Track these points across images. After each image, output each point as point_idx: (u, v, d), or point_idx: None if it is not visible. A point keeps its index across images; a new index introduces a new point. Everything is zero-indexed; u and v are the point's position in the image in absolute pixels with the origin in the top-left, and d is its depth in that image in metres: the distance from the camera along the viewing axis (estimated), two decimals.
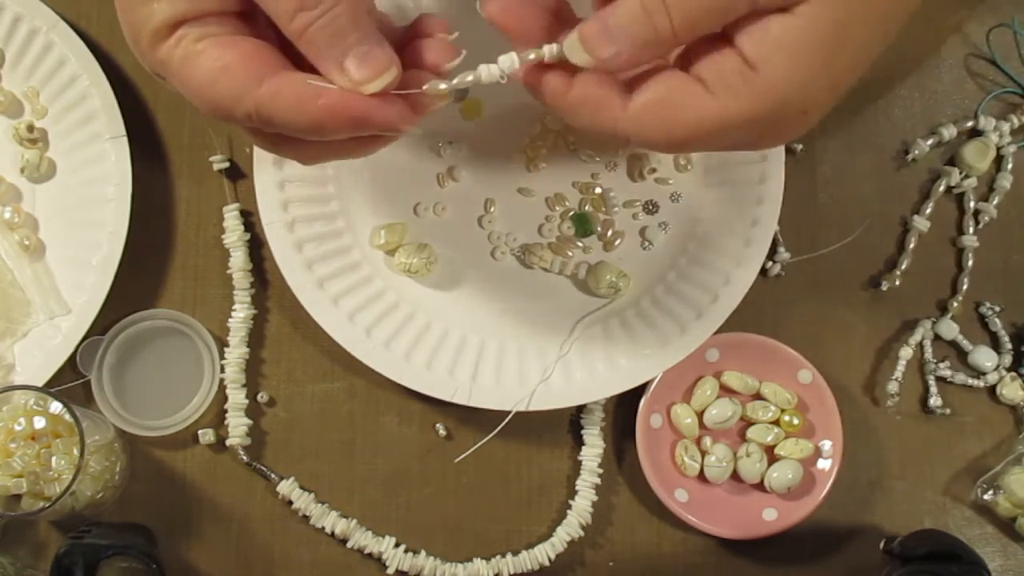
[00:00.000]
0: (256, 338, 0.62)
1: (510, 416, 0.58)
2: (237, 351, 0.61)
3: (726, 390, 0.61)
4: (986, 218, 0.63)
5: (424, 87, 0.43)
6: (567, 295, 0.60)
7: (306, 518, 0.60)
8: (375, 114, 0.42)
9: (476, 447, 0.59)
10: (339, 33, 0.42)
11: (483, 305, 0.60)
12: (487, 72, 0.42)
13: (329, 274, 0.59)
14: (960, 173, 0.63)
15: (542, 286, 0.61)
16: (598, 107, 0.43)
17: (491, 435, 0.59)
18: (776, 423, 0.61)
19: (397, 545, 0.60)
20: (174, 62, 0.43)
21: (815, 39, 0.41)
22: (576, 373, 0.59)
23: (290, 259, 0.58)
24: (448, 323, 0.60)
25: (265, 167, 0.59)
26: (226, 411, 0.60)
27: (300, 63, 0.44)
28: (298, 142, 0.45)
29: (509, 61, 0.43)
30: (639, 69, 0.43)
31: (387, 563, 0.60)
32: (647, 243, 0.61)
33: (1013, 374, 0.62)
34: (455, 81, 0.43)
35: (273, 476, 0.60)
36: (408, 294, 0.60)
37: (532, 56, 0.42)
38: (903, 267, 0.63)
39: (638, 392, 0.59)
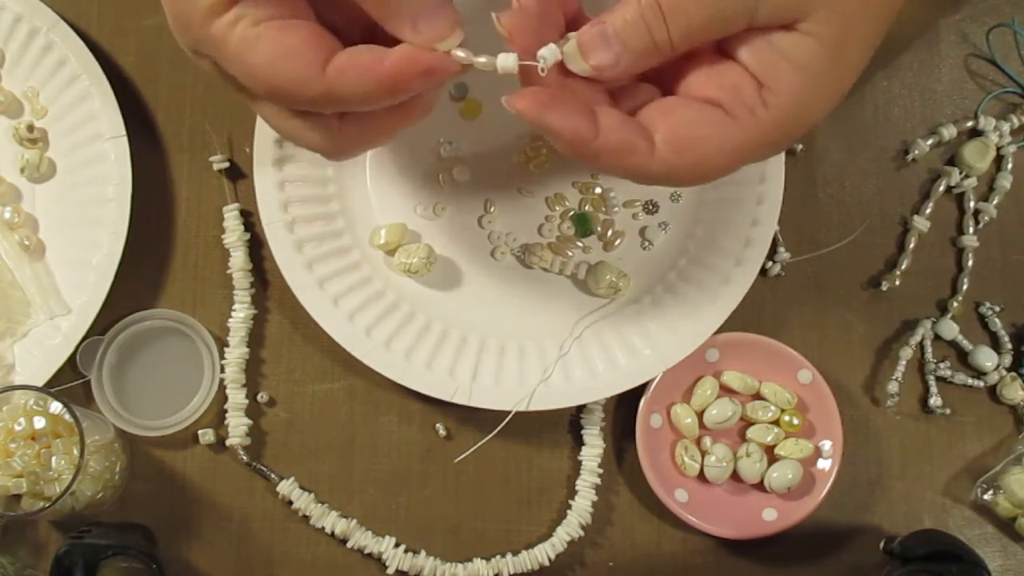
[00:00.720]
0: (256, 338, 0.62)
1: (510, 416, 0.58)
2: (237, 351, 0.61)
3: (726, 390, 0.61)
4: (986, 218, 0.63)
5: (452, 53, 0.43)
6: (567, 295, 0.60)
7: (306, 518, 0.60)
8: (441, 63, 0.43)
9: (476, 447, 0.59)
10: None
11: (483, 305, 0.60)
12: (503, 61, 0.42)
13: (329, 274, 0.59)
14: (960, 173, 0.63)
15: (542, 286, 0.61)
16: (626, 153, 0.42)
17: (491, 435, 0.59)
18: (776, 423, 0.61)
19: (397, 545, 0.60)
20: (231, 43, 0.43)
21: (823, 55, 0.42)
22: (576, 373, 0.59)
23: (290, 259, 0.58)
24: (448, 323, 0.60)
25: (265, 167, 0.59)
26: (226, 411, 0.60)
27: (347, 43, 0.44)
28: (342, 123, 0.45)
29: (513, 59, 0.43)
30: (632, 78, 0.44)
31: (387, 563, 0.59)
32: (647, 243, 0.61)
33: (1013, 374, 0.62)
34: (483, 60, 0.43)
35: (273, 476, 0.60)
36: (408, 294, 0.60)
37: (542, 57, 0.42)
38: (903, 267, 0.63)
39: (638, 392, 0.59)
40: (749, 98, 0.42)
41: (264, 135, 0.59)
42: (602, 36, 0.42)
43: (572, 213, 0.61)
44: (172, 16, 0.45)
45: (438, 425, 0.61)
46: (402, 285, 0.60)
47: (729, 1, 0.41)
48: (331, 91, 0.43)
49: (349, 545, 0.60)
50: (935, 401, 0.61)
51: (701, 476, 0.60)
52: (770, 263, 0.62)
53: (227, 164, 0.62)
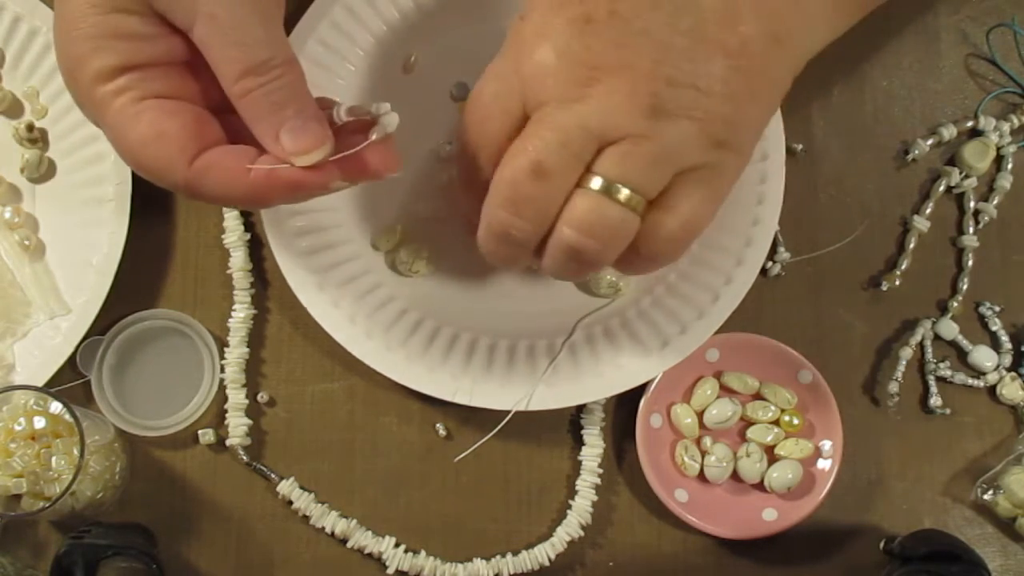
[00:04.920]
0: (256, 338, 0.62)
1: (509, 416, 0.58)
2: (237, 351, 0.61)
3: (726, 390, 0.61)
4: (986, 218, 0.63)
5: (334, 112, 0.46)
6: (568, 295, 0.60)
7: (306, 518, 0.60)
8: (307, 180, 0.44)
9: (475, 446, 0.59)
10: (279, 103, 0.44)
11: (484, 305, 0.60)
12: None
13: (330, 276, 0.59)
14: (960, 173, 0.63)
15: (543, 286, 0.61)
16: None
17: (490, 435, 0.59)
18: (776, 423, 0.61)
19: (397, 545, 0.60)
20: (111, 113, 0.44)
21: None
22: (576, 373, 0.59)
23: (291, 260, 0.58)
24: (449, 323, 0.60)
25: None
26: (226, 411, 0.60)
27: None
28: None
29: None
30: None
31: (387, 563, 0.59)
32: None
33: (1013, 374, 0.62)
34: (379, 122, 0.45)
35: (273, 476, 0.60)
36: (409, 295, 0.60)
37: None
38: (903, 267, 0.63)
39: (638, 392, 0.59)
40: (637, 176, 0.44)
41: None
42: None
43: None
44: (63, 72, 0.45)
45: (438, 425, 0.61)
46: (403, 286, 0.60)
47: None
48: (194, 185, 0.44)
49: (349, 545, 0.60)
50: (935, 401, 0.61)
51: (701, 476, 0.60)
52: (770, 263, 0.62)
53: None
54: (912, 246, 0.63)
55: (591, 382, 0.58)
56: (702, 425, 0.61)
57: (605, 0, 0.43)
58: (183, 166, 0.43)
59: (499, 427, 0.58)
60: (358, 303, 0.59)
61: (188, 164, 0.43)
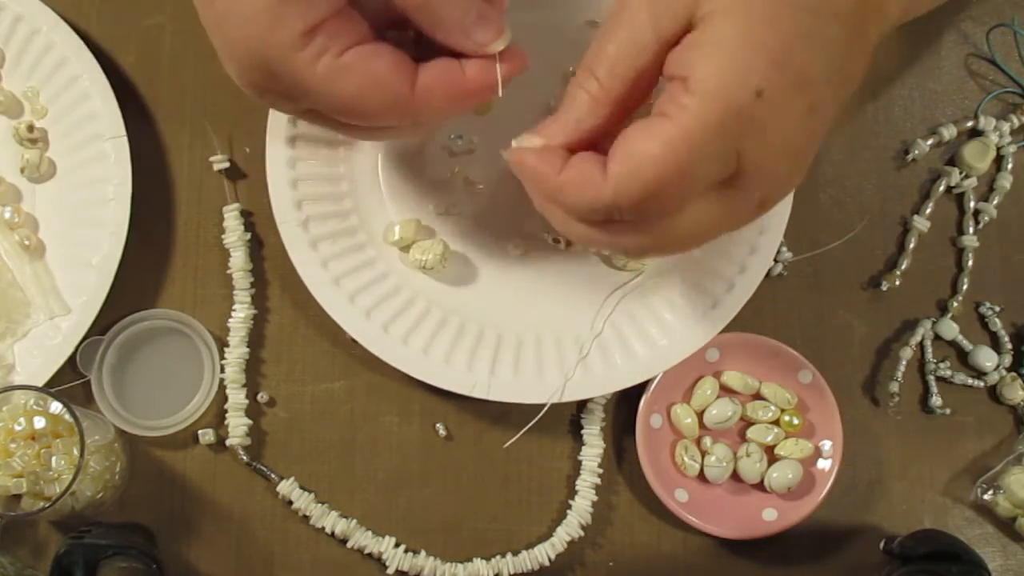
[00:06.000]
0: (256, 338, 0.62)
1: (546, 408, 0.57)
2: (237, 351, 0.61)
3: (726, 390, 0.61)
4: (986, 218, 0.63)
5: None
6: (584, 288, 0.60)
7: (306, 518, 0.60)
8: (517, 66, 0.47)
9: (525, 429, 0.59)
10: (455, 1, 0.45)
11: (499, 299, 0.60)
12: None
13: (344, 271, 0.58)
14: (960, 173, 0.63)
15: (558, 279, 0.60)
16: (584, 185, 0.44)
17: (533, 421, 0.58)
18: (776, 423, 0.61)
19: (397, 545, 0.60)
20: (317, 77, 0.44)
21: (729, 27, 0.41)
22: (596, 366, 0.58)
23: (305, 257, 0.58)
24: (465, 318, 0.59)
25: (278, 167, 0.58)
26: (226, 411, 0.60)
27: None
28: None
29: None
30: None
31: (387, 563, 0.59)
32: None
33: (1013, 374, 0.62)
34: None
35: (273, 476, 0.60)
36: (424, 290, 0.60)
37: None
38: (903, 267, 0.63)
39: (638, 392, 0.59)
40: (675, 96, 0.42)
41: (276, 134, 0.59)
42: (552, 118, 0.46)
43: None
44: (237, 57, 0.45)
45: (438, 425, 0.61)
46: (418, 281, 0.60)
47: (634, 25, 0.43)
48: (421, 110, 0.46)
49: (349, 545, 0.60)
50: (935, 401, 0.61)
51: (701, 476, 0.60)
52: (772, 263, 0.62)
53: (227, 164, 0.62)
54: (912, 246, 0.63)
55: (619, 369, 0.58)
56: (702, 425, 0.61)
57: None
58: (408, 99, 0.45)
59: (537, 418, 0.57)
60: (373, 300, 0.58)
61: (412, 94, 0.45)
